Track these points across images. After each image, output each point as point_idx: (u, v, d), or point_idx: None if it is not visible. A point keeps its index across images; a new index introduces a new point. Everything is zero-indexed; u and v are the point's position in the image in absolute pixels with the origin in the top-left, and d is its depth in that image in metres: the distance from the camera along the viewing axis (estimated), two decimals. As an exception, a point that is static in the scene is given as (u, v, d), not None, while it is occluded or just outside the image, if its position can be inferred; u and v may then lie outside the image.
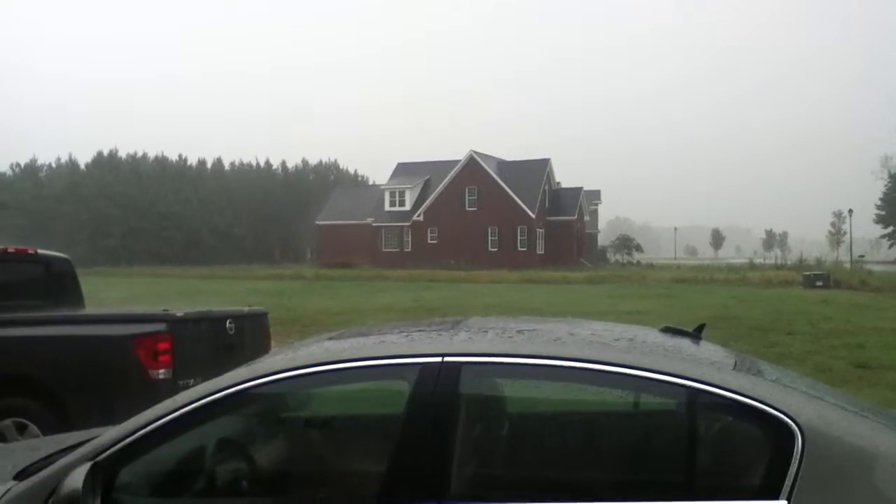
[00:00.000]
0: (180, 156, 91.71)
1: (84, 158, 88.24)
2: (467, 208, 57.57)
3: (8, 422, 5.41)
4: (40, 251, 7.24)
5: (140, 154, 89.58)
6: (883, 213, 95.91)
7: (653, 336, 2.82)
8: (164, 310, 5.91)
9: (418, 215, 58.70)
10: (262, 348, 6.36)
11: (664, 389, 2.35)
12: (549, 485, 2.39)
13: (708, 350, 2.73)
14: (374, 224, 60.61)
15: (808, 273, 35.31)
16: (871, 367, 10.79)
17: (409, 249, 58.58)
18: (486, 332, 2.78)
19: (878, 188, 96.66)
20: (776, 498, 2.09)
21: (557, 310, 20.25)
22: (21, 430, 5.38)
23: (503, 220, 56.15)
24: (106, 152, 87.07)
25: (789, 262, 54.38)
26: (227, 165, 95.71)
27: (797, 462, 2.11)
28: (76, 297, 7.42)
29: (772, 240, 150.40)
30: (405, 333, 2.87)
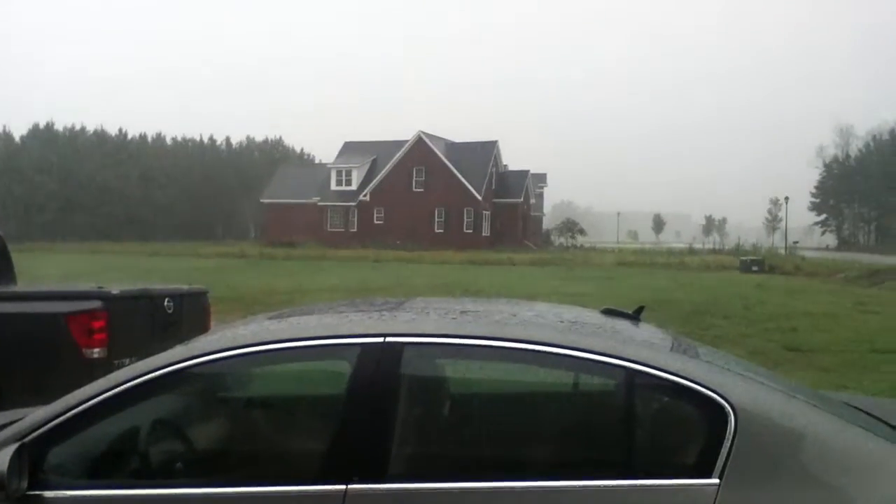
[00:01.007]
0: (120, 129, 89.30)
1: (19, 130, 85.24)
2: (414, 189, 57.44)
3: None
4: (-32, 225, 6.97)
5: (78, 127, 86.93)
6: (817, 201, 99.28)
7: (593, 317, 2.85)
8: (100, 287, 5.75)
9: (365, 195, 58.34)
10: (201, 327, 6.25)
11: (603, 370, 2.39)
12: (490, 464, 2.41)
13: (646, 332, 2.77)
14: (319, 203, 60.01)
15: (744, 258, 36.34)
16: (802, 349, 11.16)
17: (356, 229, 58.23)
18: (429, 312, 2.78)
19: (813, 177, 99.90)
20: (709, 476, 2.14)
21: (502, 291, 20.40)
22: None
23: (450, 201, 56.20)
24: (42, 124, 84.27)
25: (727, 248, 55.98)
26: (168, 140, 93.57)
27: (730, 441, 2.17)
28: (7, 273, 7.17)
29: (711, 225, 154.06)
30: (347, 313, 2.85)
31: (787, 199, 66.87)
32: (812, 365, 9.96)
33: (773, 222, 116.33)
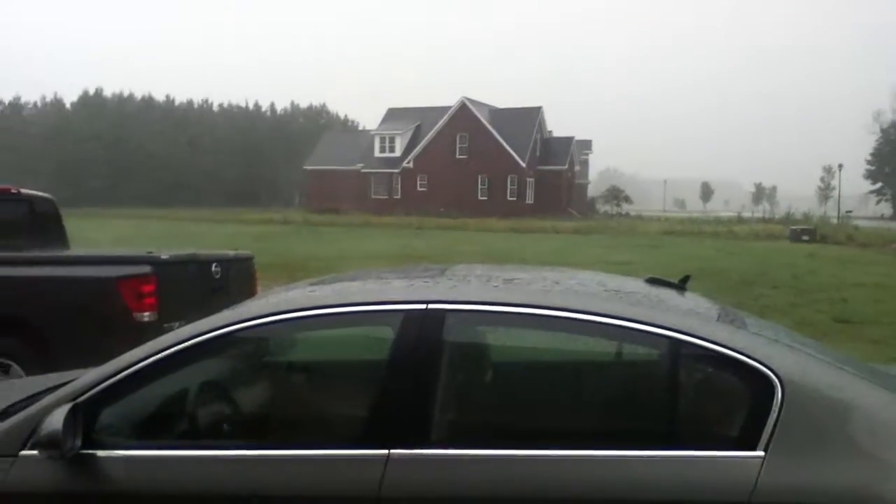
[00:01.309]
0: (167, 96, 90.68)
1: (70, 97, 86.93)
2: (458, 156, 57.18)
3: (-9, 361, 5.40)
4: (23, 190, 7.14)
5: (126, 94, 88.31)
6: (872, 168, 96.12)
7: (638, 287, 2.82)
8: (150, 252, 5.86)
9: (408, 162, 58.31)
10: (247, 292, 6.34)
11: (647, 340, 2.36)
12: (531, 432, 2.40)
13: (692, 301, 2.73)
14: (363, 170, 60.19)
15: (794, 227, 35.49)
16: (852, 321, 10.92)
17: (399, 196, 58.33)
18: (472, 279, 2.77)
19: (870, 143, 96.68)
20: (753, 448, 2.12)
21: (545, 259, 20.31)
22: (5, 370, 5.38)
23: (493, 168, 55.86)
24: (92, 91, 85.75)
25: (777, 217, 54.71)
26: (215, 107, 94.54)
27: (776, 413, 2.13)
28: (60, 238, 7.36)
29: (761, 194, 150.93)
30: (390, 280, 2.86)
31: (840, 166, 65.02)
32: (862, 337, 9.75)
33: (825, 191, 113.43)
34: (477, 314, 2.46)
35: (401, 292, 2.60)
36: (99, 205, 59.33)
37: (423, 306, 2.40)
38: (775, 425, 2.12)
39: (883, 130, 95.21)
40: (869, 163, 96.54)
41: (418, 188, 57.87)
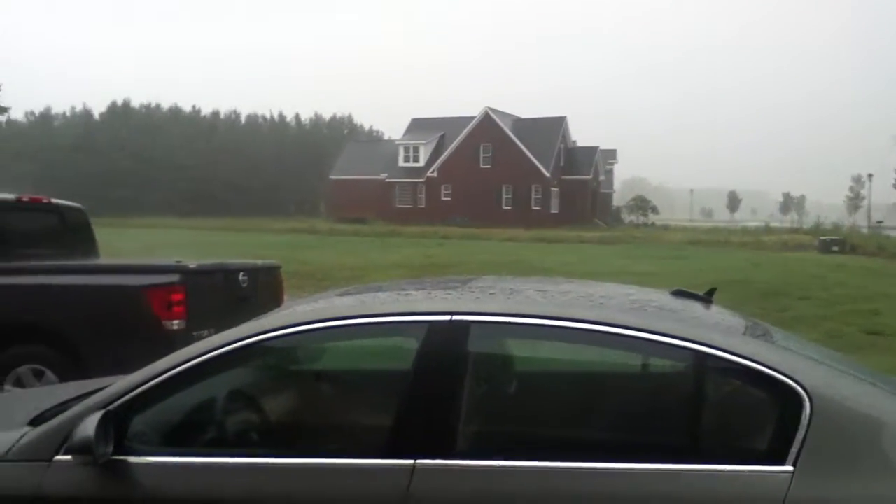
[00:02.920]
0: (194, 107, 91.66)
1: (98, 108, 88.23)
2: (482, 165, 57.21)
3: (25, 368, 5.49)
4: (55, 200, 7.27)
5: (154, 104, 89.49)
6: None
7: (664, 299, 2.81)
8: (178, 261, 5.94)
9: (432, 171, 58.44)
10: (274, 301, 6.39)
11: (673, 353, 2.35)
12: (556, 444, 2.40)
13: (718, 314, 2.71)
14: (387, 180, 60.42)
15: (824, 237, 35.03)
16: (884, 333, 10.75)
17: (423, 206, 58.44)
18: (496, 291, 2.78)
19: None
20: (782, 463, 2.10)
21: (570, 269, 20.23)
22: (38, 376, 5.47)
23: (517, 177, 55.81)
24: (120, 102, 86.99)
25: (806, 226, 53.99)
26: (241, 117, 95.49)
27: (804, 428, 2.11)
28: (90, 247, 7.47)
29: (789, 203, 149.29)
30: (415, 291, 2.88)
31: (870, 175, 64.28)
32: (893, 350, 9.59)
33: (855, 200, 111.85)
34: (501, 325, 2.47)
35: (425, 303, 2.62)
36: (126, 214, 60.06)
37: (447, 317, 2.41)
38: (804, 439, 2.10)
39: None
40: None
41: (442, 198, 57.96)
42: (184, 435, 2.66)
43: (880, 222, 58.96)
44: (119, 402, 2.45)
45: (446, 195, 57.91)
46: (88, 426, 2.29)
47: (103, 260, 7.38)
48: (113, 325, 5.57)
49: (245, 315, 3.02)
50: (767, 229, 50.38)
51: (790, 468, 2.08)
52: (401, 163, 60.46)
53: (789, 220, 74.17)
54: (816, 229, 47.28)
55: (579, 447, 2.38)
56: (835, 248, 31.96)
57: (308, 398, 3.00)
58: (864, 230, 49.72)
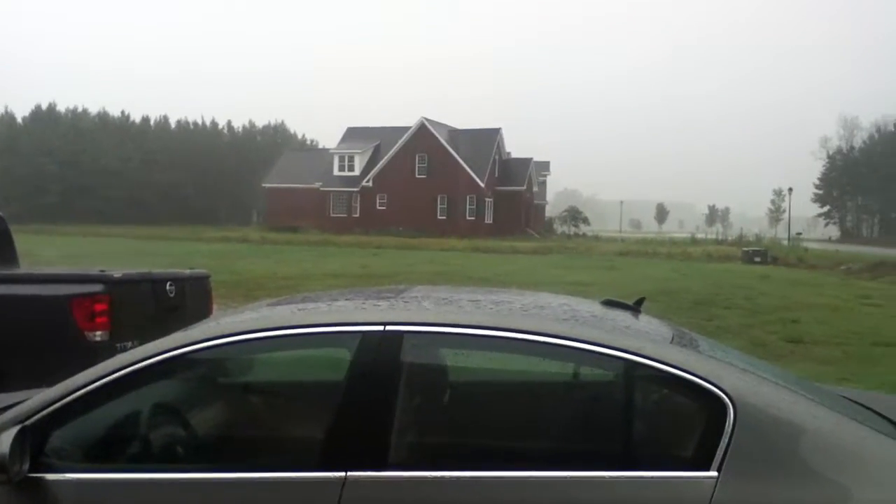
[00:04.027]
0: (123, 112, 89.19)
1: (21, 112, 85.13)
2: (417, 175, 57.32)
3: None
4: (-29, 207, 6.97)
5: (80, 109, 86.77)
6: (821, 192, 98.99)
7: (594, 308, 2.85)
8: (102, 270, 5.76)
9: (367, 181, 58.24)
10: (204, 312, 6.25)
11: (603, 361, 2.39)
12: (488, 454, 2.41)
13: (646, 323, 2.77)
14: (322, 188, 59.92)
15: (747, 249, 36.26)
16: (803, 341, 11.16)
17: (358, 215, 58.17)
18: (430, 301, 2.78)
19: (817, 169, 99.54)
20: (707, 469, 2.14)
21: (504, 279, 20.41)
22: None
23: (453, 188, 56.09)
24: (45, 106, 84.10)
25: (730, 238, 55.81)
26: (172, 124, 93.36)
27: (728, 434, 2.17)
28: (9, 256, 7.18)
29: (714, 215, 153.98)
30: (348, 301, 2.85)
31: (790, 190, 66.71)
32: (813, 357, 9.97)
33: (776, 213, 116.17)
34: (435, 335, 2.47)
35: (358, 313, 2.60)
36: (51, 222, 58.01)
37: (380, 328, 2.40)
38: (728, 445, 2.15)
39: (829, 156, 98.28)
40: (817, 187, 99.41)
41: (378, 207, 57.82)
42: (106, 450, 2.56)
43: (800, 234, 61.33)
44: (37, 416, 2.35)
45: (382, 204, 57.78)
46: (3, 443, 2.18)
47: (24, 269, 7.10)
48: (33, 337, 5.36)
49: (172, 326, 2.94)
50: (694, 241, 51.90)
51: (714, 474, 2.13)
52: (336, 172, 60.06)
53: (714, 232, 76.33)
54: (740, 241, 48.98)
55: (512, 456, 2.39)
56: (757, 259, 33.09)
57: (237, 411, 2.94)
58: (785, 242, 51.62)
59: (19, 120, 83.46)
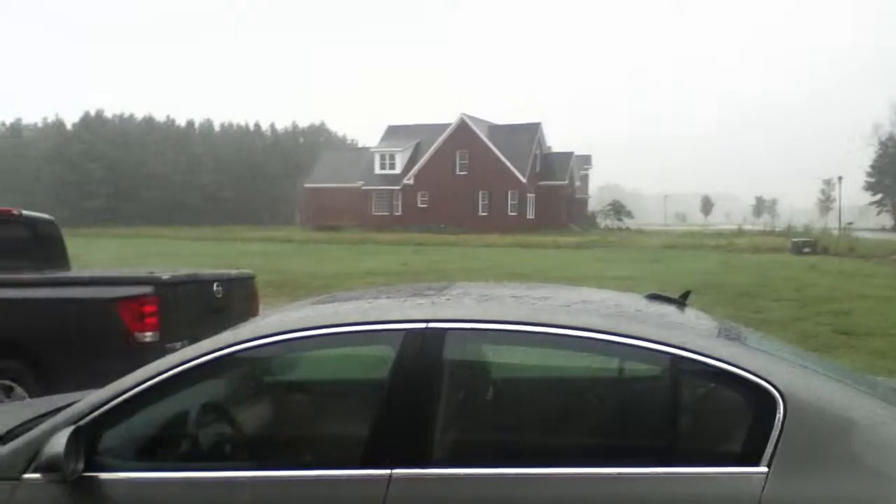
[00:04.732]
0: (168, 116, 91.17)
1: (71, 118, 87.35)
2: (458, 172, 57.32)
3: (-6, 383, 5.39)
4: (24, 212, 7.16)
5: (127, 114, 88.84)
6: (872, 180, 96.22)
7: (638, 303, 2.82)
8: (150, 272, 5.86)
9: (408, 179, 58.43)
10: (249, 311, 6.33)
11: (648, 356, 2.36)
12: (533, 450, 2.40)
13: (692, 317, 2.73)
14: (363, 187, 60.29)
15: (796, 239, 35.50)
16: (855, 333, 10.89)
17: (399, 213, 58.40)
18: (472, 297, 2.77)
19: (868, 156, 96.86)
20: (757, 464, 2.11)
21: (547, 275, 20.32)
22: (7, 392, 5.37)
23: (494, 184, 55.97)
24: (93, 112, 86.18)
25: (778, 229, 54.65)
26: (216, 127, 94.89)
27: (778, 429, 2.13)
28: (62, 259, 7.36)
29: (761, 206, 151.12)
30: (390, 298, 2.86)
31: (840, 178, 65.06)
32: (864, 349, 9.72)
33: (826, 203, 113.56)
34: (477, 332, 2.47)
35: (401, 311, 2.60)
36: (99, 225, 59.41)
37: (423, 325, 2.40)
38: (778, 440, 2.12)
39: (881, 143, 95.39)
40: (868, 175, 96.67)
41: (419, 205, 57.96)
42: (157, 449, 2.62)
43: (850, 224, 59.76)
44: (89, 417, 2.41)
45: (423, 202, 57.91)
46: (58, 443, 2.24)
47: (75, 272, 7.27)
48: (84, 339, 5.47)
49: (219, 326, 2.98)
50: (740, 232, 50.97)
51: (765, 469, 2.10)
52: (377, 170, 60.38)
53: (762, 223, 74.86)
54: (788, 232, 47.93)
55: (557, 453, 2.37)
56: (806, 250, 32.39)
57: (283, 409, 2.97)
58: (835, 232, 50.34)
59: (69, 126, 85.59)
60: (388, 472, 2.22)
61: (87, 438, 2.34)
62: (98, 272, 7.34)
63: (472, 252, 32.97)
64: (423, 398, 2.32)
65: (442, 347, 2.38)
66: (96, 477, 2.34)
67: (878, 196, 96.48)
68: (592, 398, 2.70)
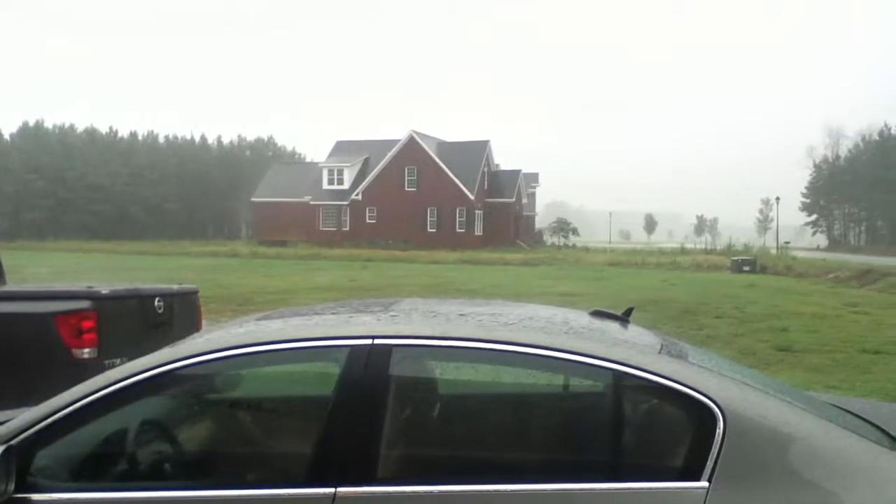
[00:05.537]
0: (111, 128, 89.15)
1: (9, 128, 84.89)
2: (406, 188, 57.37)
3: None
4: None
5: (68, 125, 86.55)
6: (808, 201, 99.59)
7: (583, 319, 2.85)
8: (89, 286, 5.72)
9: (357, 194, 58.23)
10: (192, 327, 6.21)
11: (592, 372, 2.39)
12: (479, 466, 2.40)
13: (635, 333, 2.77)
14: (311, 202, 59.83)
15: (735, 258, 36.44)
16: (792, 350, 11.20)
17: (348, 228, 58.11)
18: (419, 314, 2.77)
19: (804, 178, 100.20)
20: (698, 479, 2.14)
21: (493, 291, 20.41)
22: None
23: (442, 200, 56.16)
24: (32, 122, 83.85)
25: (719, 248, 56.08)
26: (160, 139, 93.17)
27: (718, 444, 2.16)
28: (-4, 273, 7.12)
29: (702, 225, 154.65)
30: (336, 315, 2.84)
31: (777, 199, 67.23)
32: (802, 365, 10.00)
33: (764, 222, 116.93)
34: (423, 349, 2.46)
35: (347, 327, 2.58)
36: (39, 237, 57.69)
37: (369, 341, 2.39)
38: (718, 455, 2.15)
39: (815, 165, 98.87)
40: (804, 196, 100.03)
41: (367, 220, 57.78)
42: (93, 469, 2.53)
43: (787, 243, 61.56)
44: (22, 436, 2.32)
45: (371, 218, 57.76)
46: None
47: (10, 286, 7.04)
48: (19, 355, 5.30)
49: (161, 342, 2.92)
50: (682, 250, 52.09)
51: (706, 484, 2.13)
52: (325, 185, 60.01)
53: (703, 242, 76.71)
54: (729, 250, 49.21)
55: (503, 469, 2.38)
56: (746, 268, 33.27)
57: (226, 427, 2.92)
58: (773, 251, 51.86)
59: (7, 137, 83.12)
60: (332, 490, 2.20)
61: (19, 458, 2.26)
62: (35, 286, 7.13)
63: (421, 268, 32.98)
64: (368, 415, 2.30)
65: (388, 364, 2.37)
66: (28, 498, 2.26)
67: (814, 217, 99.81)
68: (537, 415, 2.71)
